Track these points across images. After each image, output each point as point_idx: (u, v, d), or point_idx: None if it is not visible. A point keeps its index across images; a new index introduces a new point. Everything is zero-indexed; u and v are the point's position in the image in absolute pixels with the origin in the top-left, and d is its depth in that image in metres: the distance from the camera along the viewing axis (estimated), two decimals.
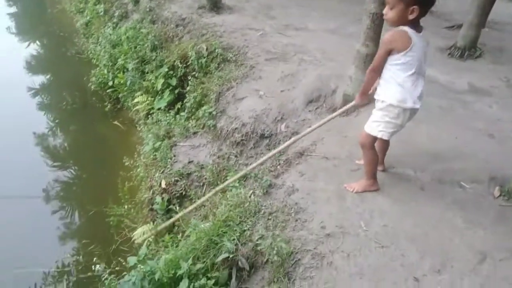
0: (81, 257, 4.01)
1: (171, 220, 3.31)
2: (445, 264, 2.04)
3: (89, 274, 3.54)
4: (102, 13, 7.86)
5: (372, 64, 2.34)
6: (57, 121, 6.39)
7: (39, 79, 7.55)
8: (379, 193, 2.53)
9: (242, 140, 3.78)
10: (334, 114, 2.89)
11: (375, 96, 2.39)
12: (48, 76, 7.78)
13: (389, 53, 2.22)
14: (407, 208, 2.42)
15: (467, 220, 2.33)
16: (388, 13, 2.15)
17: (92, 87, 6.40)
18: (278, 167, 3.29)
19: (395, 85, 2.27)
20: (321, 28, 5.92)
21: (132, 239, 3.79)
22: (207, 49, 4.92)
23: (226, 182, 3.13)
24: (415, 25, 2.16)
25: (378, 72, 2.33)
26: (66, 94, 6.88)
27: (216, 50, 4.81)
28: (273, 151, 3.10)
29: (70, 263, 3.99)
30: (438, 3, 7.40)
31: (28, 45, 9.00)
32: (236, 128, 3.87)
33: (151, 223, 3.67)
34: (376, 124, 2.40)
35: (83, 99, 6.69)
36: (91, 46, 7.47)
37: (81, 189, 5.04)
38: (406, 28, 2.15)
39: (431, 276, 1.98)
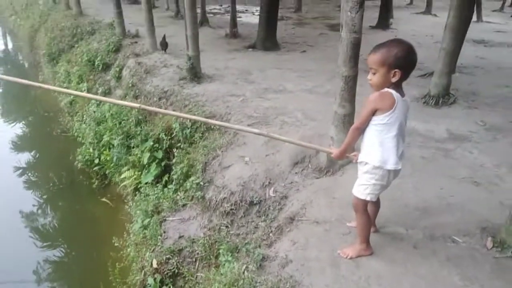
0: None
1: None
2: None
3: None
4: (85, 91, 8.01)
5: (357, 122, 2.39)
6: (45, 199, 6.35)
7: (25, 158, 7.60)
8: (373, 256, 2.50)
9: (231, 209, 3.75)
10: (308, 144, 2.99)
11: (359, 159, 2.43)
12: (34, 155, 7.83)
13: (374, 112, 2.28)
14: (402, 269, 2.39)
15: (464, 277, 2.31)
16: (373, 78, 2.24)
17: (79, 165, 6.40)
18: (271, 234, 3.26)
19: (377, 146, 2.31)
20: (299, 89, 6.12)
21: None
22: (190, 120, 5.02)
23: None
24: (398, 88, 2.25)
25: (362, 130, 2.37)
26: (53, 173, 6.85)
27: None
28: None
29: None
30: None
31: (14, 125, 9.10)
32: (224, 198, 3.86)
33: None
34: (363, 187, 2.42)
35: (70, 177, 6.66)
36: (76, 124, 7.54)
37: (72, 272, 4.90)
38: (390, 90, 2.23)
39: None
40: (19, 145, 8.30)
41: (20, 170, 7.09)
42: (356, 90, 3.73)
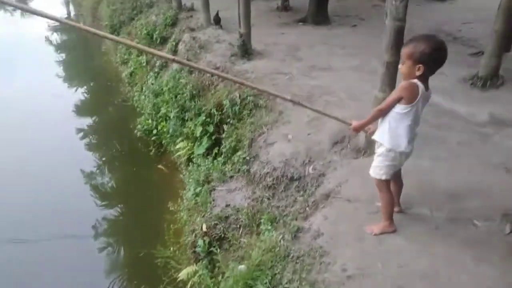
0: None
1: None
2: None
3: None
4: (144, 64, 8.59)
5: (382, 105, 2.64)
6: (106, 162, 7.05)
7: (88, 122, 8.36)
8: (396, 234, 2.80)
9: (273, 183, 4.14)
10: (329, 114, 3.33)
11: (374, 137, 2.71)
12: (97, 120, 8.58)
13: (398, 100, 2.53)
14: (421, 247, 2.67)
15: (477, 258, 2.56)
16: (402, 67, 2.50)
17: (138, 133, 7.02)
18: (307, 208, 3.62)
19: (393, 130, 2.58)
20: (346, 67, 6.26)
21: (178, 280, 4.18)
22: (240, 97, 5.38)
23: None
24: (424, 81, 2.48)
25: (384, 113, 2.62)
26: (114, 139, 7.55)
27: (248, 98, 5.26)
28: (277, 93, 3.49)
29: None
30: (463, 29, 7.62)
31: (78, 91, 9.95)
32: (267, 172, 4.24)
33: (195, 264, 4.07)
34: (378, 168, 2.71)
35: (130, 144, 7.31)
36: (136, 94, 8.17)
37: (129, 229, 5.52)
38: (417, 82, 2.47)
39: None
40: (83, 110, 9.10)
41: (82, 133, 7.86)
42: (397, 76, 3.89)
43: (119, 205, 5.94)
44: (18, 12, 17.94)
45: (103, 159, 7.12)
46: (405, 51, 2.48)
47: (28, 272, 4.66)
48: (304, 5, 9.75)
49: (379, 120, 2.69)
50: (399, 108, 2.53)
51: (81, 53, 13.39)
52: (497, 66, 5.34)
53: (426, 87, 2.49)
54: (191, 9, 9.61)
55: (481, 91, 5.32)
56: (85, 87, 10.28)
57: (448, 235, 2.77)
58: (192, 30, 8.28)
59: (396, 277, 2.46)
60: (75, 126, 8.00)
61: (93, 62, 12.08)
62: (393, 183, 2.87)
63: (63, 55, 12.81)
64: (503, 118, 4.59)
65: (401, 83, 2.56)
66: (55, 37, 14.74)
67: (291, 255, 2.83)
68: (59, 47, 13.69)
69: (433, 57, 2.40)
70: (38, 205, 5.64)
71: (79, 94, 9.84)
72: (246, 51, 6.65)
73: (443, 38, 7.97)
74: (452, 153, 3.85)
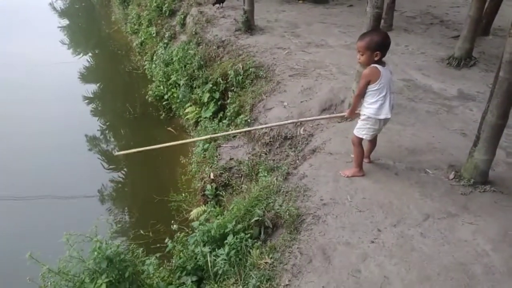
0: (150, 233, 5.30)
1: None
2: (400, 221, 3.10)
3: (158, 245, 4.79)
4: (154, 35, 9.24)
5: (357, 91, 3.41)
6: (120, 123, 7.87)
7: (102, 88, 9.11)
8: (364, 177, 3.59)
9: (270, 141, 4.92)
10: (325, 116, 4.00)
11: (360, 112, 3.48)
12: (111, 87, 9.33)
13: (368, 83, 3.30)
14: (382, 186, 3.48)
15: (423, 193, 3.37)
16: (361, 58, 3.25)
17: (149, 99, 7.77)
18: (297, 161, 4.41)
19: (373, 103, 3.34)
20: (339, 44, 6.96)
21: (189, 219, 5.01)
22: (243, 68, 6.11)
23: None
24: (380, 62, 3.24)
25: (361, 96, 3.40)
26: (128, 103, 8.29)
27: (250, 69, 5.99)
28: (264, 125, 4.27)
29: (143, 237, 5.27)
30: (450, 13, 8.31)
31: (86, 58, 10.63)
32: (265, 132, 5.02)
33: (203, 205, 4.89)
34: (361, 129, 3.48)
35: (142, 108, 8.07)
36: (146, 63, 8.86)
37: (147, 181, 6.38)
38: (376, 65, 3.23)
39: (389, 228, 3.05)
40: (95, 76, 9.84)
41: (95, 100, 8.63)
42: None
43: (134, 163, 6.75)
44: None
45: (121, 122, 7.90)
46: (362, 44, 3.20)
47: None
48: None
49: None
50: (372, 87, 3.28)
51: (92, 22, 13.95)
52: (470, 48, 6.07)
53: (383, 64, 3.24)
54: None
55: (455, 70, 6.05)
56: (97, 55, 10.97)
57: (405, 179, 3.57)
58: (199, 4, 8.91)
59: (359, 205, 3.27)
60: (89, 90, 8.76)
61: (104, 31, 12.66)
62: (369, 142, 3.66)
63: (73, 23, 13.38)
64: (469, 93, 5.36)
65: (364, 71, 3.31)
66: (60, 4, 15.20)
67: (282, 190, 3.64)
68: (66, 15, 14.21)
69: (384, 44, 3.16)
70: (69, 163, 6.48)
71: (90, 61, 10.53)
72: (249, 26, 7.33)
73: (430, 20, 8.70)
74: (419, 120, 4.63)
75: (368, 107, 3.35)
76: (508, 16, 8.20)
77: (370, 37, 3.17)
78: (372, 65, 3.23)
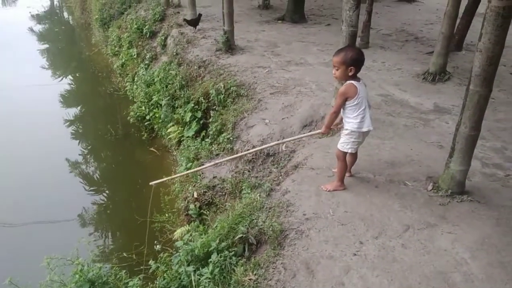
0: (134, 255, 5.23)
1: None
2: (381, 233, 3.15)
3: (141, 267, 4.73)
4: (135, 56, 9.28)
5: (334, 108, 3.49)
6: (101, 145, 7.82)
7: (83, 111, 9.06)
8: (345, 191, 3.65)
9: (253, 158, 4.97)
10: (304, 135, 4.07)
11: (344, 126, 3.55)
12: (92, 109, 9.29)
13: (345, 100, 3.38)
14: (363, 199, 3.53)
15: (402, 205, 3.43)
16: (336, 73, 3.34)
17: (131, 120, 7.75)
18: (280, 177, 4.45)
19: (354, 118, 3.42)
20: (318, 62, 7.12)
21: (173, 239, 4.97)
22: (224, 87, 6.18)
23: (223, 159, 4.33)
24: (355, 78, 3.34)
25: (337, 114, 3.48)
26: (109, 125, 8.25)
27: (232, 88, 6.07)
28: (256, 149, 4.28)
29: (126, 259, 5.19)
30: (424, 30, 8.61)
31: (73, 81, 10.60)
32: (248, 149, 5.06)
33: (187, 225, 4.87)
34: (345, 143, 3.54)
35: (124, 129, 8.06)
36: (127, 84, 8.87)
37: (130, 202, 6.31)
38: (352, 81, 3.32)
39: (371, 240, 3.09)
40: (76, 99, 9.79)
41: (75, 122, 8.57)
42: None
43: (118, 184, 6.71)
44: None
45: (102, 144, 7.85)
46: (337, 59, 3.30)
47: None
48: (283, 4, 10.58)
49: (341, 113, 3.51)
50: (350, 103, 3.35)
51: (72, 45, 13.93)
52: (444, 63, 6.28)
53: (358, 80, 3.34)
54: (178, 5, 10.33)
55: (430, 84, 6.25)
56: (77, 77, 10.95)
57: (384, 191, 3.64)
58: (180, 26, 9.02)
59: (341, 218, 3.31)
60: (72, 114, 8.70)
61: (84, 53, 12.65)
62: (350, 156, 3.72)
63: (53, 46, 13.35)
64: (444, 106, 5.53)
65: (340, 88, 3.40)
66: (39, 28, 15.19)
67: (265, 206, 3.66)
68: (46, 38, 14.18)
69: (359, 60, 3.28)
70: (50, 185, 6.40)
71: (71, 84, 10.50)
72: (229, 46, 7.44)
73: (405, 37, 8.97)
74: (397, 133, 4.74)
75: (350, 122, 3.42)
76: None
77: (345, 52, 3.27)
78: (348, 81, 3.32)
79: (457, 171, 3.50)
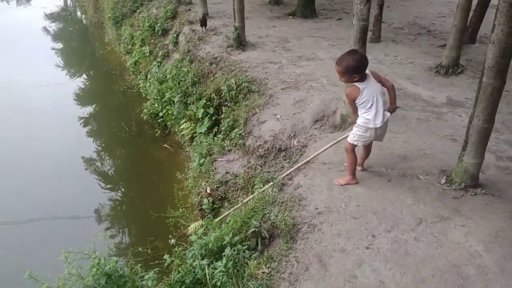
0: (149, 249, 5.31)
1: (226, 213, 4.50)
2: (394, 227, 3.16)
3: (156, 261, 4.80)
4: (147, 54, 9.36)
5: (351, 109, 3.63)
6: (116, 142, 7.92)
7: (98, 108, 9.18)
8: (358, 185, 3.66)
9: (265, 154, 4.99)
10: (334, 142, 4.03)
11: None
12: (106, 107, 9.41)
13: (353, 100, 3.44)
14: (375, 193, 3.54)
15: (415, 199, 3.43)
16: (341, 79, 3.40)
17: (144, 117, 7.84)
18: (292, 172, 4.48)
19: (362, 114, 3.46)
20: (329, 57, 7.08)
21: (187, 234, 5.04)
22: (236, 83, 6.21)
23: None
24: (361, 79, 3.36)
25: (356, 112, 3.54)
26: (123, 122, 8.34)
27: (243, 84, 6.09)
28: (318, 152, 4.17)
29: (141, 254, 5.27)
30: (437, 23, 8.51)
31: (87, 79, 10.74)
32: (260, 145, 5.09)
33: (201, 220, 4.92)
34: (353, 135, 3.57)
35: (138, 126, 8.14)
36: (140, 82, 8.96)
37: (145, 198, 6.40)
38: (355, 84, 3.39)
39: (383, 234, 3.10)
40: (90, 97, 9.92)
41: (90, 120, 8.70)
42: None
43: (134, 180, 6.81)
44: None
45: (116, 142, 7.94)
46: (340, 69, 3.35)
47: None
48: None
49: None
50: (357, 103, 3.45)
51: (85, 44, 14.10)
52: (457, 56, 6.21)
53: (364, 79, 3.36)
54: (189, 2, 10.38)
55: (443, 78, 6.18)
56: (91, 75, 11.10)
57: (397, 185, 3.64)
58: (191, 23, 9.06)
59: (354, 212, 3.33)
60: (84, 111, 8.84)
61: (97, 52, 12.80)
62: (364, 150, 3.75)
63: (67, 45, 13.54)
64: (458, 99, 5.48)
65: (346, 90, 3.56)
66: (53, 27, 15.40)
67: (277, 201, 3.69)
68: (60, 38, 14.38)
69: (361, 66, 3.31)
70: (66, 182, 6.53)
71: (85, 82, 10.65)
72: (240, 42, 7.46)
73: (418, 31, 8.88)
74: (410, 127, 4.72)
75: (360, 116, 3.49)
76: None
77: (346, 63, 3.30)
78: (351, 84, 3.39)
79: (471, 164, 3.48)
